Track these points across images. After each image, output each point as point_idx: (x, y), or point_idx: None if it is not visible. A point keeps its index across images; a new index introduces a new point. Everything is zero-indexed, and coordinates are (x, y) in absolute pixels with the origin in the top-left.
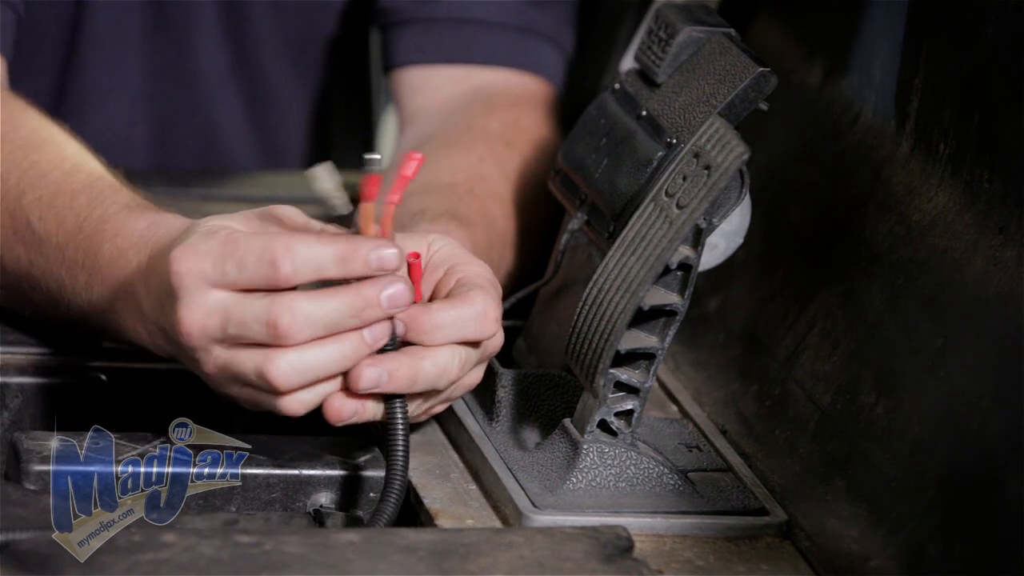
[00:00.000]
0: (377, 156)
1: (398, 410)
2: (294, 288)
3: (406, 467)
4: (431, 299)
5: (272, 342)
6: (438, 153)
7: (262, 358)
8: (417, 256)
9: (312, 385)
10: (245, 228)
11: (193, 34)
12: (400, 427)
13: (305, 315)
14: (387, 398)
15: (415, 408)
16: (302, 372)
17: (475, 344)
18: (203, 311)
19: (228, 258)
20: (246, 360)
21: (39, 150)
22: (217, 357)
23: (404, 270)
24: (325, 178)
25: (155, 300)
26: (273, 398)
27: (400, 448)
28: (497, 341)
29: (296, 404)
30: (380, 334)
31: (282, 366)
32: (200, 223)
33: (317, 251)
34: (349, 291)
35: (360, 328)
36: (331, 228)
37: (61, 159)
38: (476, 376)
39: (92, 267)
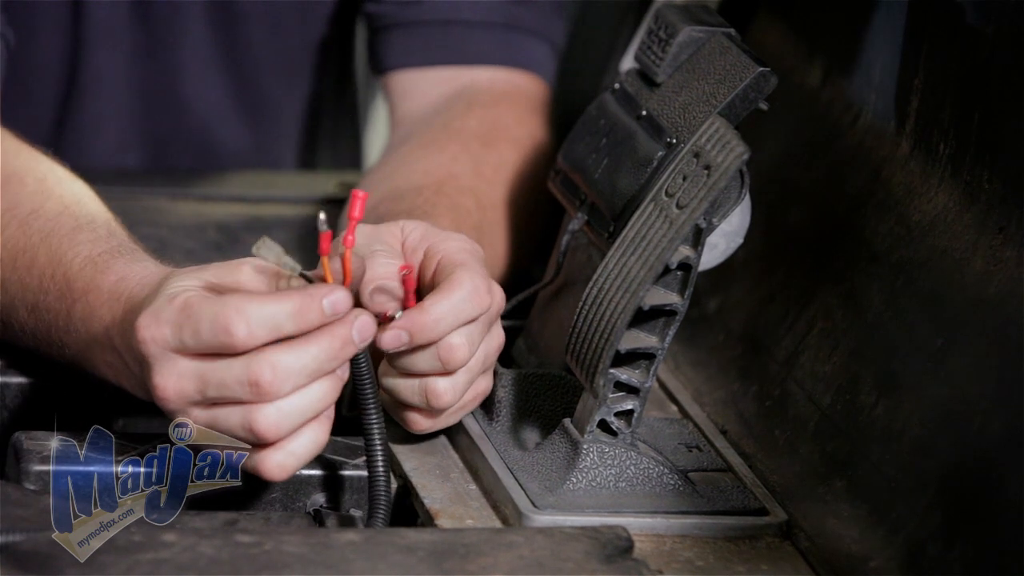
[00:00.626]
0: (323, 217)
1: (372, 411)
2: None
3: (387, 466)
4: (417, 283)
5: (256, 400)
6: (413, 155)
7: (246, 412)
8: (409, 268)
9: (297, 429)
10: (209, 284)
11: (185, 47)
12: (375, 427)
13: (286, 369)
14: (361, 400)
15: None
16: (291, 417)
17: (474, 320)
18: (175, 376)
19: (184, 326)
20: (230, 416)
21: None
22: (197, 418)
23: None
24: (268, 254)
25: (132, 358)
26: (258, 452)
27: (378, 447)
28: (499, 338)
29: (282, 460)
30: (347, 365)
31: (270, 416)
32: (166, 282)
33: (272, 310)
34: (324, 336)
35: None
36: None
37: (18, 203)
38: (487, 383)
39: (65, 327)
